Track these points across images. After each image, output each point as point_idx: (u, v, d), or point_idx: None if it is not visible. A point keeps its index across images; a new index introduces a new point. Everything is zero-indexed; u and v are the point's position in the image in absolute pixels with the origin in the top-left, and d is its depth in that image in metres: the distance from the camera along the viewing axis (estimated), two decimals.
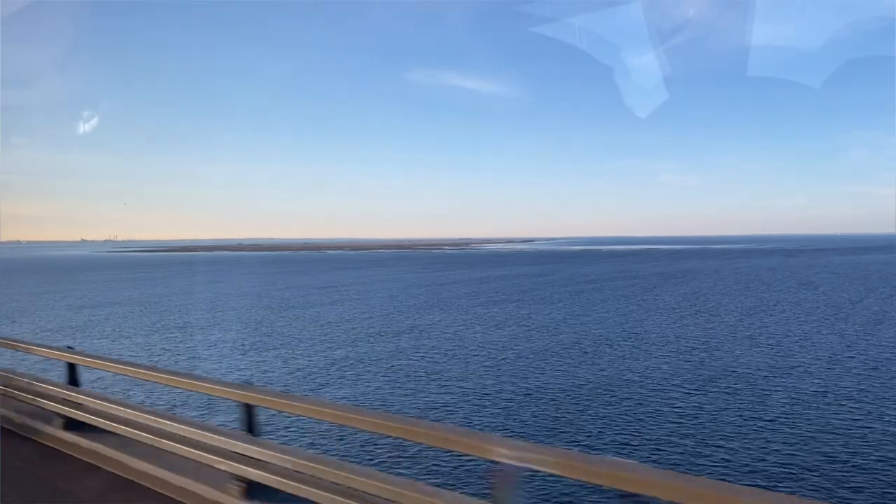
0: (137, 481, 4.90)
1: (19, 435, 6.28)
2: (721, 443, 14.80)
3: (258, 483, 4.04)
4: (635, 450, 14.43)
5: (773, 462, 13.54)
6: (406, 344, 28.72)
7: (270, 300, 49.60)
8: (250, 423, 4.29)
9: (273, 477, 3.91)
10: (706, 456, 13.99)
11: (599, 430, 15.96)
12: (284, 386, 21.23)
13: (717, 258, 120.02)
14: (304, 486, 3.73)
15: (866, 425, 15.89)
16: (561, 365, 23.73)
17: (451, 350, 26.96)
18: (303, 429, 15.35)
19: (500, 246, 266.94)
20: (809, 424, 16.05)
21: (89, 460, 5.41)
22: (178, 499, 4.51)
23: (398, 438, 3.91)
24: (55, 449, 5.79)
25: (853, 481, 12.55)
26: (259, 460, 4.02)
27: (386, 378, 22.06)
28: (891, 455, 13.82)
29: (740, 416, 16.90)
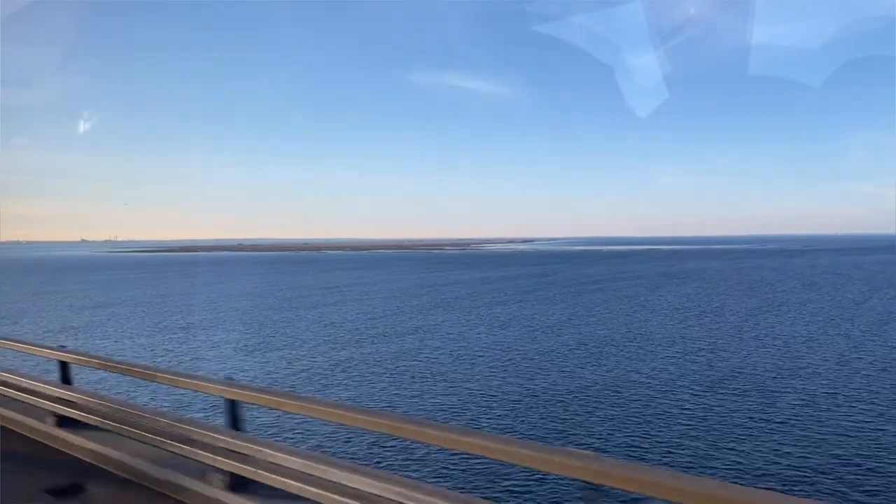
0: (124, 475, 5.04)
1: (17, 433, 6.37)
2: (733, 445, 14.62)
3: (241, 476, 4.16)
4: (647, 452, 14.25)
5: (788, 465, 13.37)
6: (410, 345, 28.55)
7: (273, 300, 49.43)
8: (234, 419, 4.46)
9: (256, 471, 4.02)
10: (718, 459, 13.81)
11: (609, 432, 15.79)
12: (290, 387, 21.06)
13: (718, 258, 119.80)
14: (287, 480, 3.83)
15: (879, 427, 15.71)
16: (567, 366, 23.56)
17: (456, 351, 26.79)
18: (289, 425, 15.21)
19: (500, 246, 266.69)
20: (821, 427, 15.87)
21: (79, 456, 5.56)
22: (164, 492, 4.64)
23: (384, 433, 4.02)
24: (47, 445, 5.91)
25: (868, 485, 12.37)
26: (243, 454, 4.14)
27: (391, 379, 21.89)
28: None
29: (751, 418, 16.72)
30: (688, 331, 31.49)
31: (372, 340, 29.83)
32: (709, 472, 12.99)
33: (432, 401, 19.02)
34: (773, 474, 12.91)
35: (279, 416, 15.78)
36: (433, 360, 24.87)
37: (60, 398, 5.94)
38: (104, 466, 5.27)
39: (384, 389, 20.54)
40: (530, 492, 12.04)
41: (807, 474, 12.91)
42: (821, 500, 11.60)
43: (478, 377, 21.90)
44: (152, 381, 5.85)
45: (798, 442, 14.78)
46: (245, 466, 4.10)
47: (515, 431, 15.99)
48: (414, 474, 12.56)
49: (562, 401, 18.73)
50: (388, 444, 14.27)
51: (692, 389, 19.78)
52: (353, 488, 3.52)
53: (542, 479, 12.27)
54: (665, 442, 14.99)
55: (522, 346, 27.88)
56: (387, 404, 18.74)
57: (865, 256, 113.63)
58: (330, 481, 3.64)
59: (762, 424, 16.13)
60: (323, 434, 15.14)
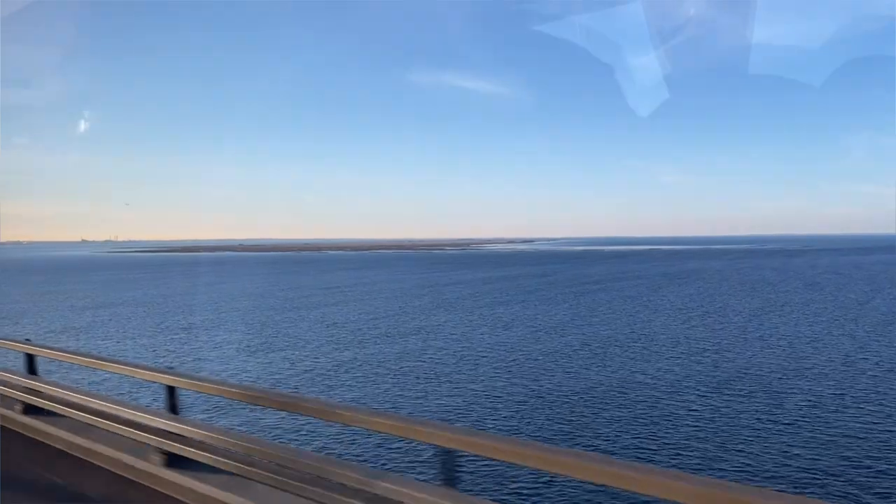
0: (74, 454, 5.56)
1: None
2: (741, 446, 14.52)
3: (177, 454, 4.64)
4: (654, 454, 14.16)
5: (798, 467, 13.27)
6: (413, 345, 28.45)
7: (274, 301, 49.33)
8: (172, 403, 4.91)
9: (190, 449, 4.50)
10: (727, 461, 13.71)
11: (616, 433, 15.69)
12: (294, 388, 20.97)
13: (719, 258, 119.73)
14: (216, 458, 4.30)
15: (889, 429, 15.60)
16: (571, 367, 23.46)
17: (459, 352, 26.68)
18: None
19: (500, 246, 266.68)
20: (830, 428, 15.77)
21: (42, 440, 6.01)
22: (112, 469, 5.15)
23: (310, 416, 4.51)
24: (15, 431, 6.31)
25: (880, 487, 12.28)
26: (179, 434, 4.61)
27: (395, 380, 21.79)
28: None
29: (758, 419, 16.62)
30: (692, 331, 31.39)
31: (375, 341, 29.72)
32: (719, 473, 12.88)
33: (437, 402, 18.91)
34: (783, 476, 12.81)
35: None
36: (437, 361, 24.76)
37: (27, 388, 6.39)
38: (60, 448, 5.71)
39: (388, 390, 20.43)
40: (538, 494, 11.94)
41: (817, 476, 12.81)
42: (835, 501, 11.51)
43: (482, 378, 21.80)
44: (103, 371, 6.21)
45: (807, 443, 14.68)
46: (181, 446, 4.58)
47: (522, 433, 15.89)
48: (420, 476, 12.45)
49: (567, 402, 18.63)
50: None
51: (698, 390, 19.67)
52: (280, 466, 3.93)
53: (550, 481, 12.17)
54: (673, 444, 14.89)
55: (526, 346, 27.78)
56: (391, 405, 18.64)
57: (865, 256, 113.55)
58: (268, 461, 4.00)
59: (770, 426, 16.03)
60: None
